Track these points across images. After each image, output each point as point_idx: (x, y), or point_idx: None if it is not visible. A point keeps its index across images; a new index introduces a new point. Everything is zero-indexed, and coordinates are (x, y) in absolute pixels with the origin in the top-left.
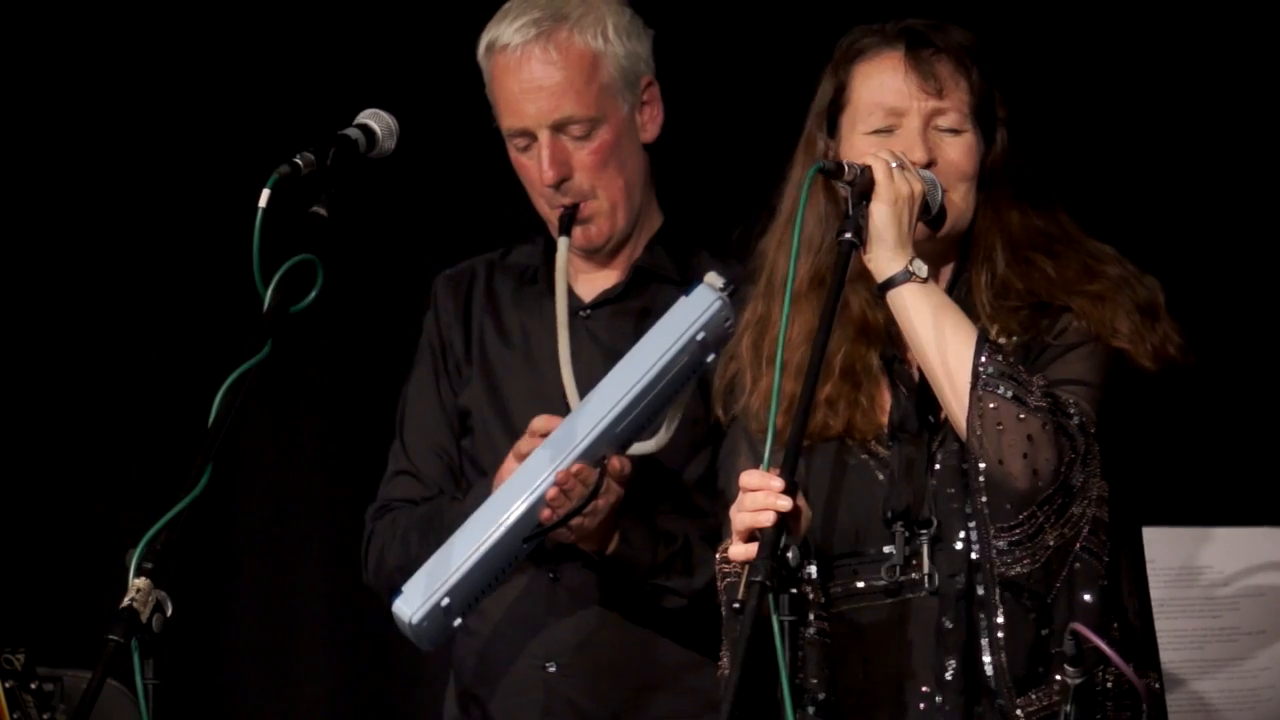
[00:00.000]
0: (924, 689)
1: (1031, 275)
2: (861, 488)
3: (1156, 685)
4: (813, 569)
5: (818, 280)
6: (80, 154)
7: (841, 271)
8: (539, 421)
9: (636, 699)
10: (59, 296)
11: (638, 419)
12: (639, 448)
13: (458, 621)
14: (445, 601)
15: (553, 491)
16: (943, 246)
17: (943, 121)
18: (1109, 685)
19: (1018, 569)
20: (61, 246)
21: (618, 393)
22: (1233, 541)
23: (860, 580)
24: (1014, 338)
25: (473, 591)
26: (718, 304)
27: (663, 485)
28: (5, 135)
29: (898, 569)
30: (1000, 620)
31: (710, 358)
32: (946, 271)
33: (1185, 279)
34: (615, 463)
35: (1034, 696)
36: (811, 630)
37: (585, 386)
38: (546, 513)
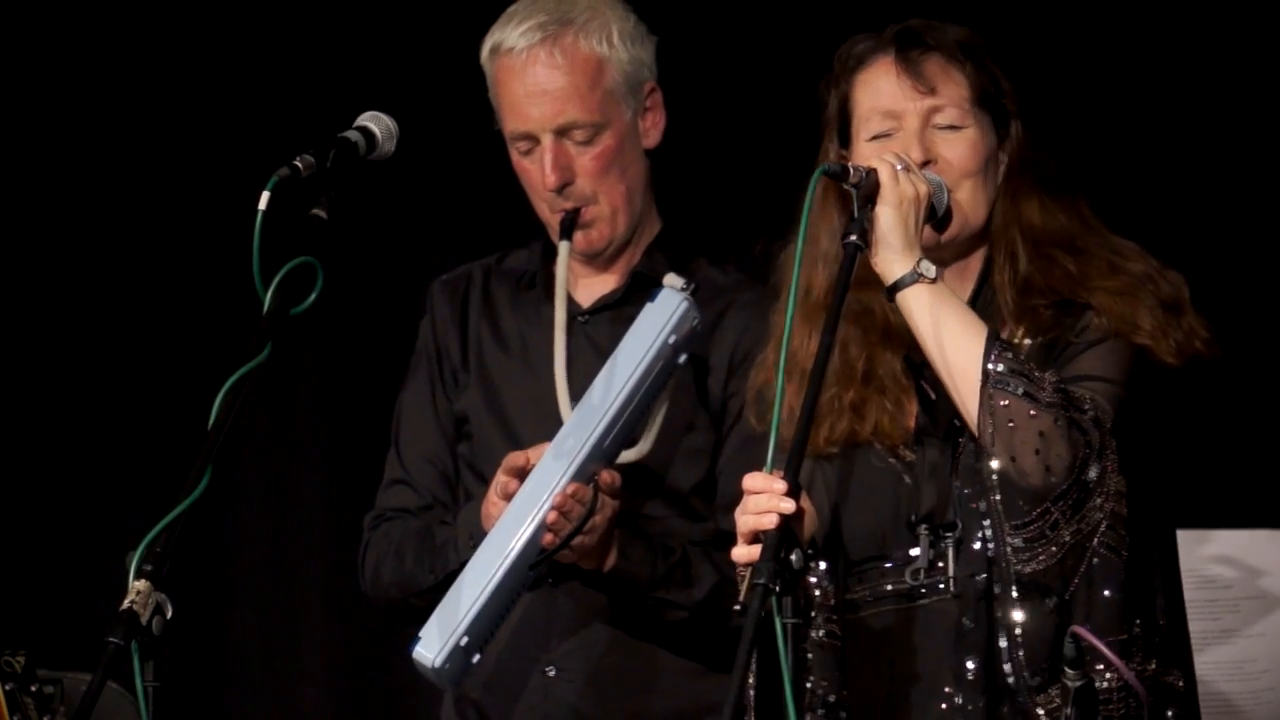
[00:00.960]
0: (946, 690)
1: (1053, 272)
2: (888, 492)
3: (1180, 684)
4: (822, 567)
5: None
6: (81, 156)
7: (846, 274)
8: (514, 457)
9: (636, 703)
10: (60, 299)
11: (622, 430)
12: (626, 456)
13: (476, 657)
14: (464, 641)
15: (552, 516)
16: (967, 246)
17: (940, 119)
18: (1112, 686)
19: (1033, 566)
20: (63, 249)
21: (601, 408)
22: (1233, 543)
23: (886, 584)
24: (1038, 338)
25: (488, 626)
26: (684, 305)
27: (660, 493)
28: (6, 137)
29: (922, 572)
30: (1018, 618)
31: (682, 358)
32: (974, 271)
33: (1208, 274)
34: (606, 477)
35: (1054, 694)
36: (820, 633)
37: (583, 391)
38: (548, 537)
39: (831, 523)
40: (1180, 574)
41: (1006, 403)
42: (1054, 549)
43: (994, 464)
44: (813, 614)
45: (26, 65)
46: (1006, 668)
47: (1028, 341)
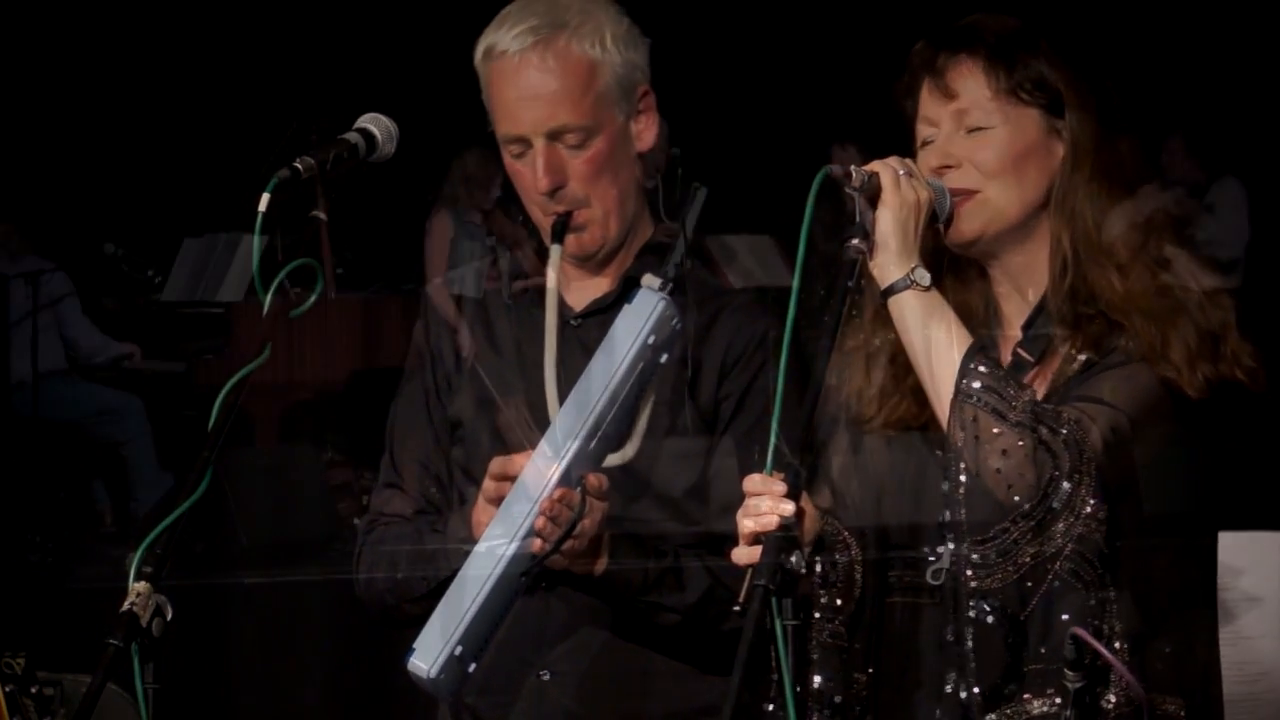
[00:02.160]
0: (940, 696)
1: (1099, 283)
2: (928, 486)
3: (1183, 713)
4: (821, 568)
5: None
6: (83, 157)
7: (846, 277)
8: (498, 464)
9: (630, 705)
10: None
11: (607, 433)
12: (612, 459)
13: (472, 667)
14: (458, 650)
15: (541, 521)
16: (1024, 245)
17: (968, 121)
18: (1113, 705)
19: (989, 584)
20: (63, 249)
21: (584, 412)
22: (1231, 546)
23: (910, 578)
24: (1084, 355)
25: (482, 635)
26: (662, 304)
27: (653, 496)
28: (7, 138)
29: (944, 573)
30: (970, 634)
31: (663, 358)
32: (1041, 272)
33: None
34: (593, 480)
35: (1008, 711)
36: (825, 633)
37: None
38: (538, 543)
39: (874, 508)
40: (1217, 599)
41: (974, 417)
42: (1011, 569)
43: (961, 478)
44: (816, 615)
45: (27, 68)
46: (956, 683)
47: (1083, 357)
